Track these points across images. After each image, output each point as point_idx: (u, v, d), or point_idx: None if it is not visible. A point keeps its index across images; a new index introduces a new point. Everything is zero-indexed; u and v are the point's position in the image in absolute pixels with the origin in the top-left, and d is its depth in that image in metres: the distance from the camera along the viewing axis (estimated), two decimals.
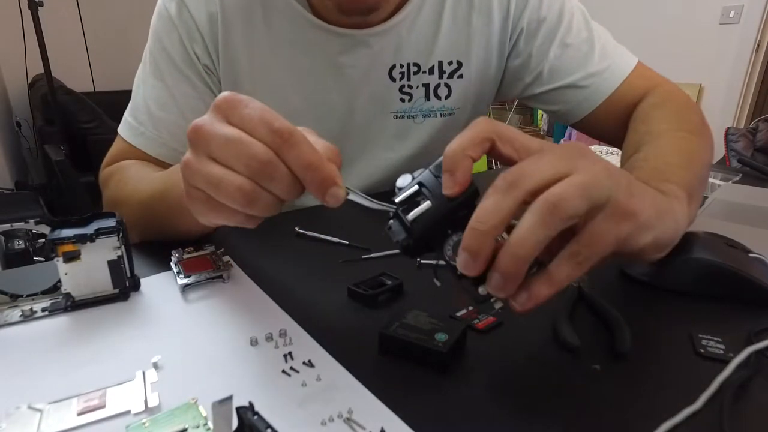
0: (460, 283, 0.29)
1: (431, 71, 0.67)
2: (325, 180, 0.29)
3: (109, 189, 0.60)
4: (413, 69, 0.66)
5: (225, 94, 0.31)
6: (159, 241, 0.49)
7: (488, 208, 0.27)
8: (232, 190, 0.29)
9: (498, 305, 0.29)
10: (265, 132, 0.29)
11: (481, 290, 0.28)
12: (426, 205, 0.29)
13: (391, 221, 0.30)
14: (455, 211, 0.28)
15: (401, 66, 0.65)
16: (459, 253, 0.27)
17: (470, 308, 0.38)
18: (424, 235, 0.29)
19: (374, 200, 0.32)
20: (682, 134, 0.51)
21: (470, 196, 0.28)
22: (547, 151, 0.28)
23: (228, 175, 0.29)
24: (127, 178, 0.58)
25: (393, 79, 0.66)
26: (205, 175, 0.30)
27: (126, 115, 0.64)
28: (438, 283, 0.32)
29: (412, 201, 0.29)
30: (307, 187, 0.30)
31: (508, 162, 0.29)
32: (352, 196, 0.31)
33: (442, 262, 0.29)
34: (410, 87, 0.67)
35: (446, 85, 0.68)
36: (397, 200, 0.30)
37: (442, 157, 0.29)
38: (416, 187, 0.30)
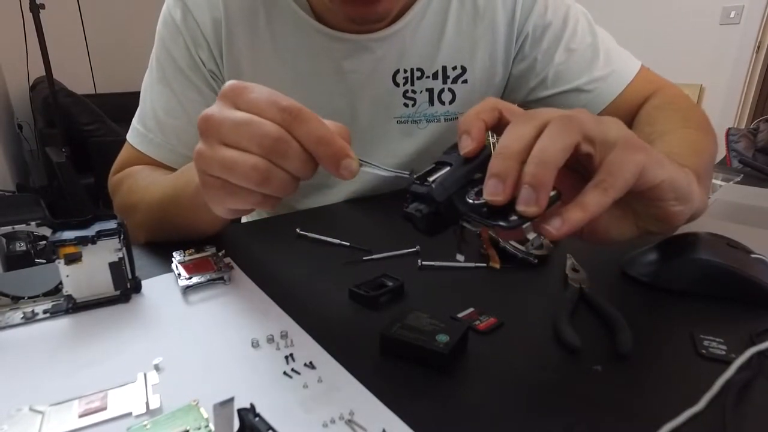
0: (487, 222, 0.28)
1: (435, 76, 0.67)
2: (338, 152, 0.30)
3: (120, 195, 0.60)
4: (417, 74, 0.66)
5: (230, 82, 0.32)
6: (161, 242, 0.49)
7: (511, 135, 0.29)
8: (247, 169, 0.30)
9: (531, 235, 0.29)
10: (275, 111, 0.30)
11: (512, 218, 0.28)
12: (446, 169, 0.30)
13: (409, 204, 0.30)
14: (473, 171, 0.30)
15: (405, 71, 0.65)
16: (486, 183, 0.28)
17: (471, 309, 0.38)
18: (446, 196, 0.29)
19: (389, 168, 0.32)
20: (687, 131, 0.52)
21: (486, 159, 0.29)
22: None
23: (242, 156, 0.30)
24: (138, 183, 0.58)
25: (396, 84, 0.66)
26: (219, 159, 0.31)
27: (134, 122, 0.64)
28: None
29: (429, 174, 0.31)
30: (320, 161, 0.30)
31: None
32: (365, 168, 0.32)
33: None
34: (414, 92, 0.67)
35: (450, 90, 0.68)
36: (414, 176, 0.31)
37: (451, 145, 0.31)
38: (432, 165, 0.31)
